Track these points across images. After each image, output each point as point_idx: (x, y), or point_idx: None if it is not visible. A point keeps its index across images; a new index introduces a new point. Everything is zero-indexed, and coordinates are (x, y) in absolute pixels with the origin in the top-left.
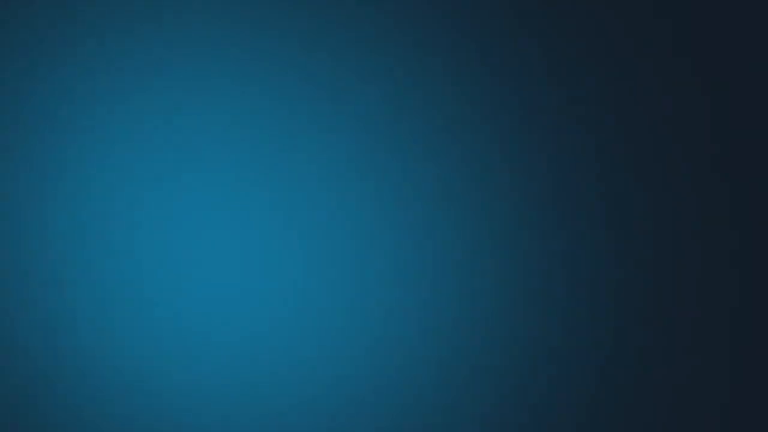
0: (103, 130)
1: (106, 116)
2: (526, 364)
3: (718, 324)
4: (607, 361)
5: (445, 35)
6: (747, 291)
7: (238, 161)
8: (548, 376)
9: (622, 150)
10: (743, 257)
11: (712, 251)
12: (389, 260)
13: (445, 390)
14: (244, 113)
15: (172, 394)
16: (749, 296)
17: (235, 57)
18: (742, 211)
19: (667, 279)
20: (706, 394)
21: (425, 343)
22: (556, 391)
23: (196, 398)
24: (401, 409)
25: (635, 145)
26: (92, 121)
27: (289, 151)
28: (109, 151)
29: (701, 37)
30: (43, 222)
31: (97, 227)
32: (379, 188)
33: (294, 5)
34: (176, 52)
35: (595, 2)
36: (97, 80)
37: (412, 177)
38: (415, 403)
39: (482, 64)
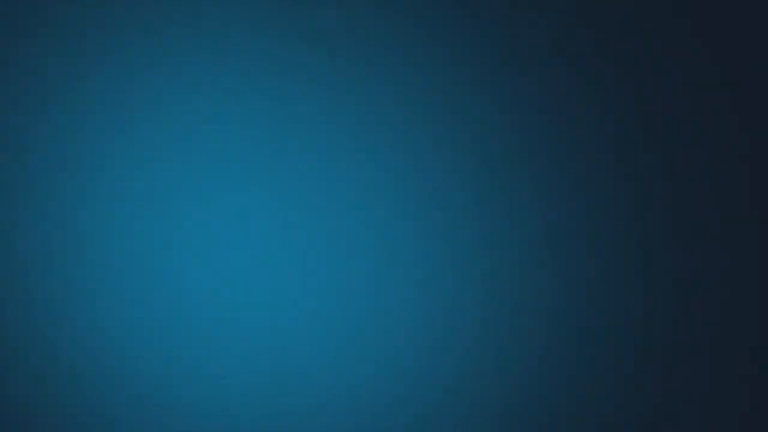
0: (102, 129)
1: (105, 116)
2: (536, 367)
3: (740, 330)
4: (629, 366)
5: (449, 33)
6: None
7: (239, 161)
8: (561, 380)
9: (646, 149)
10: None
11: (735, 257)
12: (391, 260)
13: (449, 392)
14: (244, 113)
15: (173, 393)
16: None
17: (235, 57)
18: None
19: (689, 284)
20: (725, 399)
21: (430, 343)
22: (569, 398)
23: (197, 398)
24: (409, 411)
25: (660, 147)
26: (92, 121)
27: (290, 151)
28: (108, 151)
29: (716, 30)
30: (43, 222)
31: (97, 227)
32: (381, 188)
33: (294, 5)
34: (176, 52)
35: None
36: (96, 80)
37: (414, 176)
38: (421, 405)
39: (488, 63)
